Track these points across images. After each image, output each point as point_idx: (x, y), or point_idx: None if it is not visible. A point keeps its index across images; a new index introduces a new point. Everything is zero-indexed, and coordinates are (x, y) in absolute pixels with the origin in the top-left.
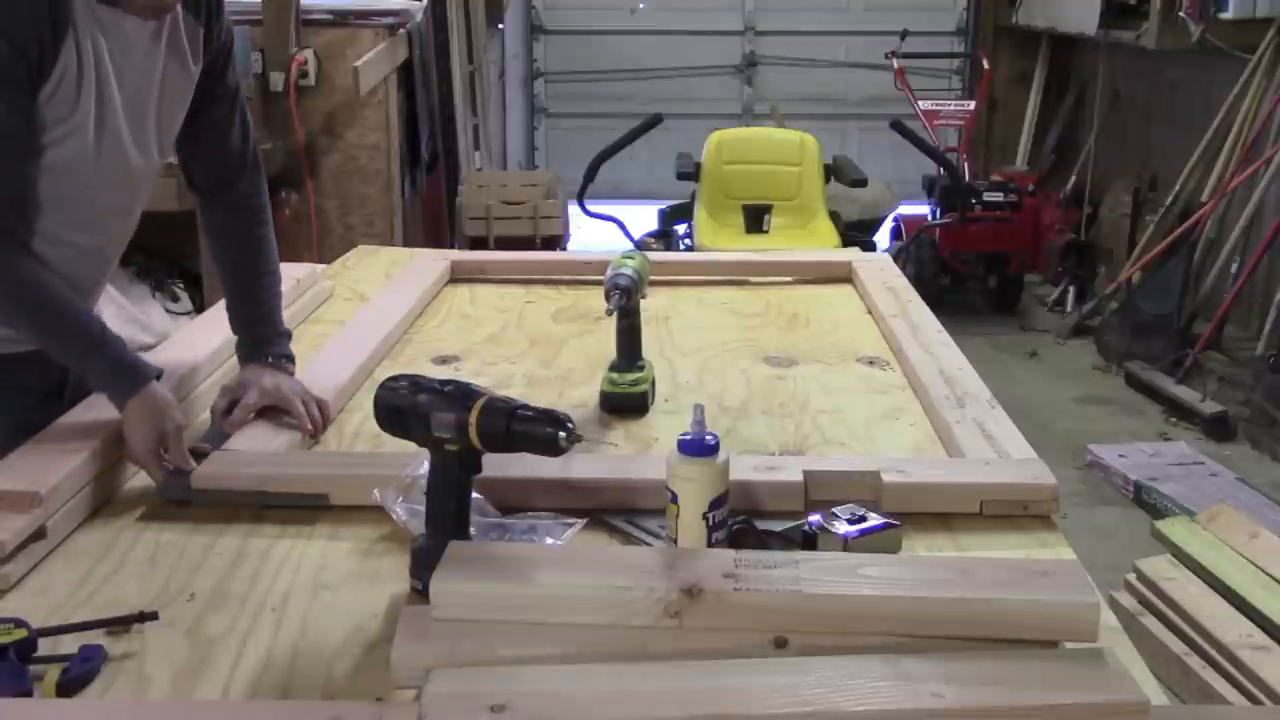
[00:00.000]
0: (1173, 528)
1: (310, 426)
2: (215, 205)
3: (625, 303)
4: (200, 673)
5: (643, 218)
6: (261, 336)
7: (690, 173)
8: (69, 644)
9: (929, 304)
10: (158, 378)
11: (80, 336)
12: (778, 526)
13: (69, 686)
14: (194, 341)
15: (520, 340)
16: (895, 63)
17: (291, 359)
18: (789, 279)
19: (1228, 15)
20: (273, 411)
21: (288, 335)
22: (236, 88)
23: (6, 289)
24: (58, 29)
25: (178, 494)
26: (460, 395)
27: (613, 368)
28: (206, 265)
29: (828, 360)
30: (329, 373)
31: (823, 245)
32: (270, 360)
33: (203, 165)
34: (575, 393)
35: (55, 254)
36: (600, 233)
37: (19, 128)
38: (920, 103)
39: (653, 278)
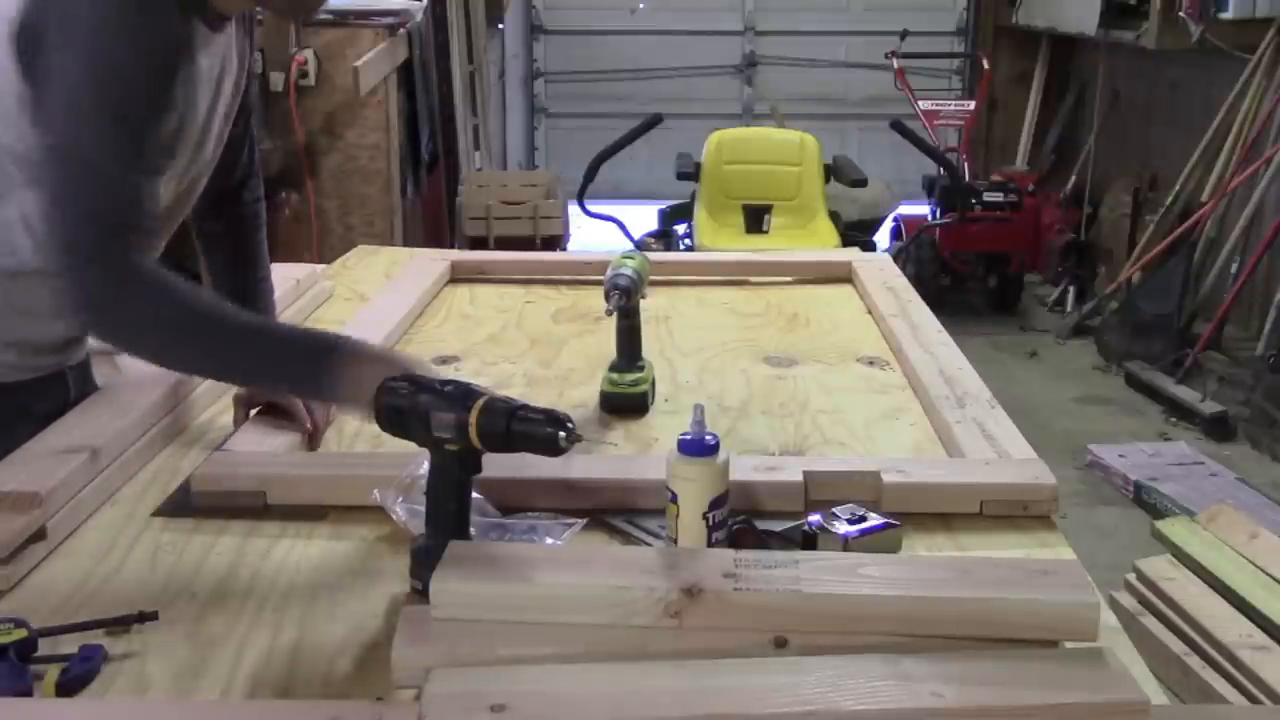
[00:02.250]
0: (1173, 528)
1: (309, 427)
2: (217, 214)
3: (625, 303)
4: (200, 673)
5: (643, 218)
6: None
7: (690, 173)
8: (69, 644)
9: (929, 304)
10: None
11: (318, 343)
12: (778, 526)
13: (69, 686)
14: None
15: (520, 340)
16: (895, 63)
17: None
18: (789, 279)
19: (1228, 15)
20: (273, 411)
21: None
22: (255, 96)
23: (207, 327)
24: (181, 57)
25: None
26: (460, 395)
27: (613, 368)
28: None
29: (828, 360)
30: None
31: (823, 245)
32: None
33: (215, 177)
34: (575, 393)
35: None
36: (600, 233)
37: (160, 157)
38: (920, 103)
39: (653, 278)
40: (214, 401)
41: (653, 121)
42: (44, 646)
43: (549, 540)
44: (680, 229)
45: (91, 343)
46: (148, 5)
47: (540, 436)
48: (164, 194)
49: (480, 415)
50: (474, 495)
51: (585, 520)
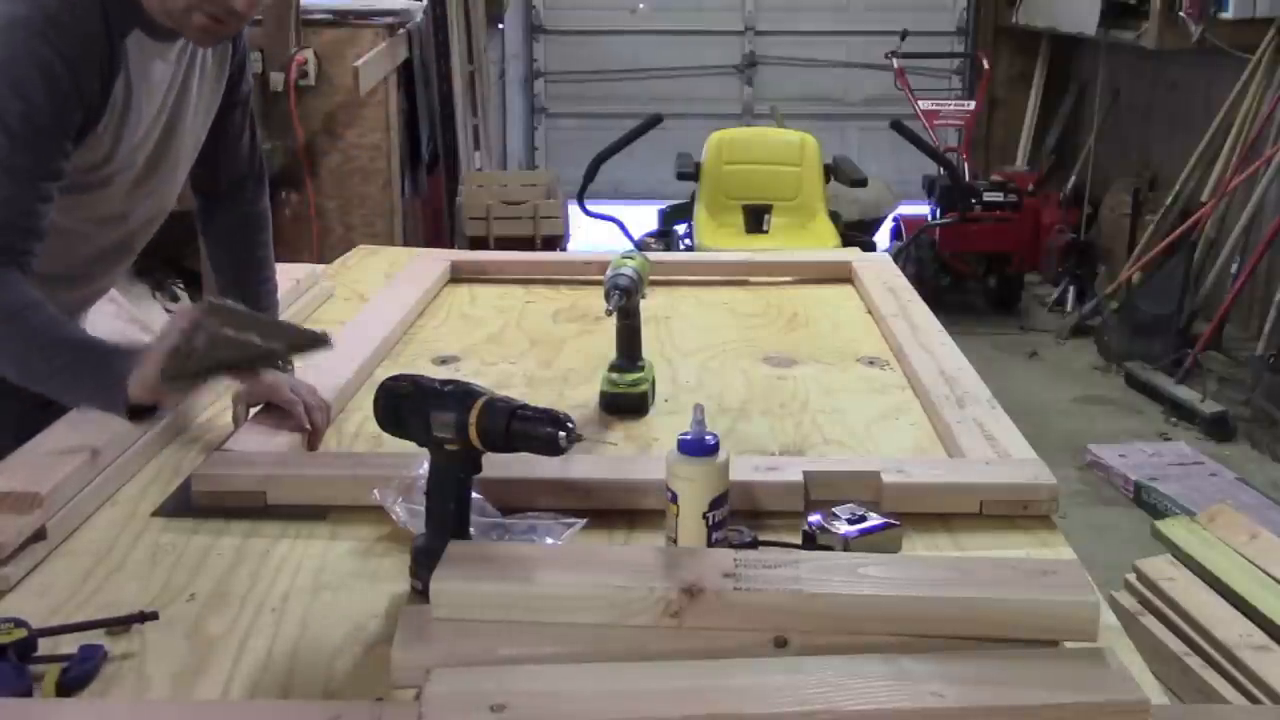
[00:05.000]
0: (1173, 528)
1: (308, 428)
2: (220, 211)
3: (625, 303)
4: (200, 673)
5: (643, 218)
6: None
7: (690, 173)
8: (69, 644)
9: (929, 304)
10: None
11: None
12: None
13: (69, 686)
14: None
15: (520, 340)
16: (895, 63)
17: (291, 362)
18: (789, 279)
19: (1228, 15)
20: (273, 411)
21: None
22: (249, 94)
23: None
24: (113, 69)
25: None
26: (460, 395)
27: (613, 368)
28: (206, 265)
29: (828, 360)
30: (329, 373)
31: (823, 245)
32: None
33: (212, 170)
34: (575, 393)
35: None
36: (600, 233)
37: (51, 174)
38: (920, 103)
39: (653, 278)
40: (214, 401)
41: (653, 121)
42: (44, 646)
43: (549, 540)
44: (680, 229)
45: None
46: (59, 22)
47: (540, 436)
48: (121, 196)
49: (480, 415)
50: (474, 495)
51: (585, 520)
